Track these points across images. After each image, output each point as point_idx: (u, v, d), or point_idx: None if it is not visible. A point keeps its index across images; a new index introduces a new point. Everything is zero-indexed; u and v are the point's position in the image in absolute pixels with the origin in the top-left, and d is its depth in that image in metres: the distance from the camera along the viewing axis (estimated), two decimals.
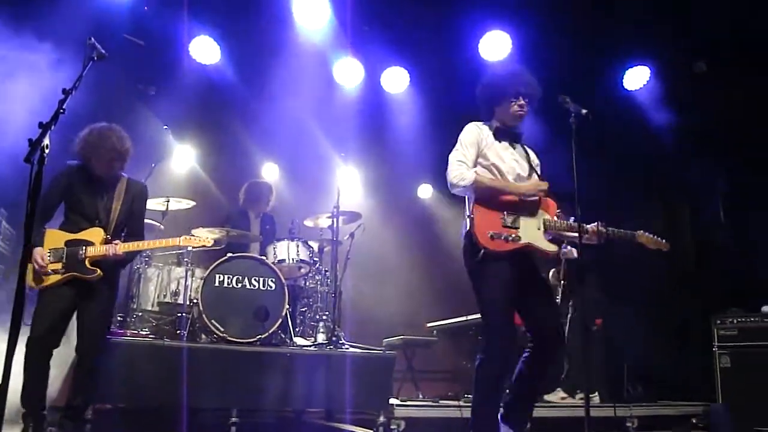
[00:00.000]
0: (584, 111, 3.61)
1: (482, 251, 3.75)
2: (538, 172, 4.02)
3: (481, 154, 3.96)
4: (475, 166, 3.97)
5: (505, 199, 3.87)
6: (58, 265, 4.28)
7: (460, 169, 3.91)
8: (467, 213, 3.89)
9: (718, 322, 6.80)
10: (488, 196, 3.86)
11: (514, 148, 4.07)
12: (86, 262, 4.32)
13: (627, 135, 7.99)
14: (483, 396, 3.81)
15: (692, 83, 7.72)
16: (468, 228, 3.86)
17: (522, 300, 3.83)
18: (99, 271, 4.30)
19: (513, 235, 3.76)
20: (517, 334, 3.81)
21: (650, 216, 7.62)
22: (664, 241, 4.22)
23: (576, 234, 3.80)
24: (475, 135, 4.00)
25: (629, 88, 8.05)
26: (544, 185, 3.87)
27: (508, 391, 3.96)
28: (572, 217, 3.92)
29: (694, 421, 7.02)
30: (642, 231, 4.12)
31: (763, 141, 6.83)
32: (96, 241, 4.38)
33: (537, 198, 3.88)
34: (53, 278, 4.27)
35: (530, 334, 3.87)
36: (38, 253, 4.22)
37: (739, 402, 6.46)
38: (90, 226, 4.43)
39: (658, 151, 7.85)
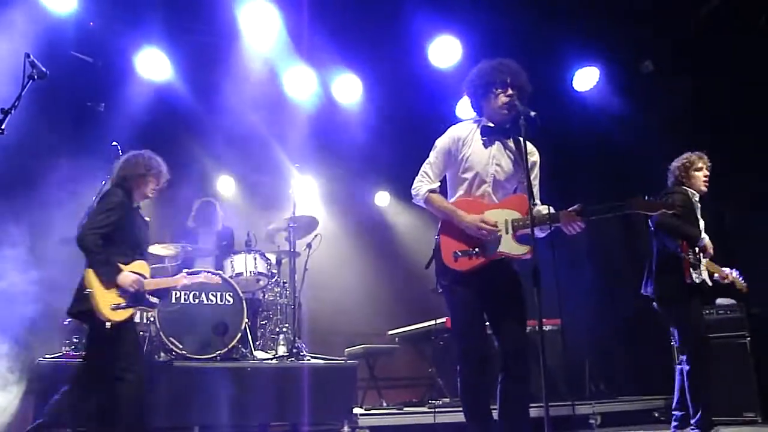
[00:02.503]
0: (532, 113, 3.59)
1: (449, 274, 3.72)
2: (531, 173, 3.68)
3: (460, 157, 3.82)
4: (443, 174, 3.89)
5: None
6: (122, 300, 4.21)
7: (420, 183, 3.87)
8: (437, 231, 3.84)
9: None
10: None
11: (505, 146, 3.85)
12: (148, 295, 4.32)
13: (578, 135, 8.12)
14: (467, 409, 3.77)
15: (641, 83, 7.89)
16: (435, 247, 3.82)
17: (490, 312, 3.78)
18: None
19: (477, 249, 3.66)
20: (489, 349, 3.74)
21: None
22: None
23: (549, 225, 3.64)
24: (448, 141, 3.86)
25: (579, 90, 8.20)
26: (486, 226, 3.61)
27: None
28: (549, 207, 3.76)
29: (656, 414, 7.13)
30: (638, 197, 3.74)
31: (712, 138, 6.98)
32: (146, 273, 4.35)
33: (484, 235, 3.63)
34: (127, 312, 4.22)
35: (499, 351, 3.74)
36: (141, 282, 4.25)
37: None
38: (134, 255, 4.36)
39: (610, 149, 7.99)
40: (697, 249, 5.07)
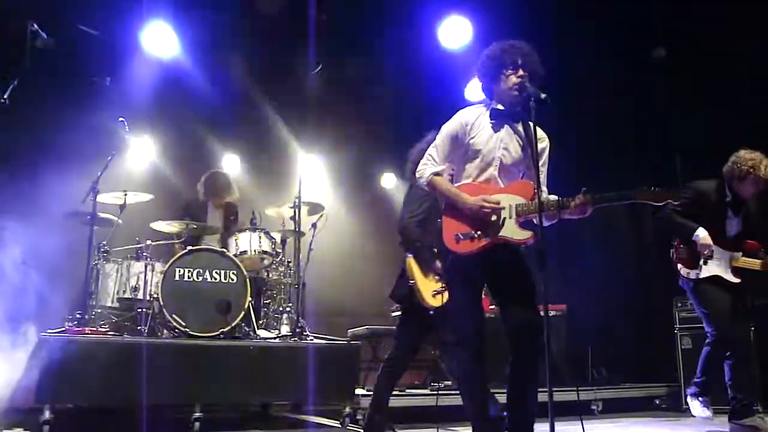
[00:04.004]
0: (543, 95, 3.54)
1: (450, 255, 3.70)
2: (539, 159, 3.62)
3: (467, 141, 3.76)
4: (449, 158, 3.83)
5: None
6: (440, 285, 4.36)
7: (425, 166, 3.83)
8: (440, 214, 3.82)
9: (679, 304, 6.89)
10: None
11: (514, 131, 3.79)
12: None
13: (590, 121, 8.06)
14: (467, 401, 3.76)
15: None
16: (438, 229, 3.79)
17: (497, 295, 3.77)
18: None
19: (480, 232, 3.62)
20: (483, 335, 3.70)
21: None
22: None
23: (555, 211, 3.58)
24: (455, 125, 3.81)
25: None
26: (488, 204, 3.58)
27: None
28: (554, 196, 3.72)
29: (657, 402, 7.14)
30: (645, 187, 3.63)
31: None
32: None
33: (488, 211, 3.60)
34: (445, 296, 4.28)
35: (507, 331, 3.67)
36: None
37: None
38: None
39: (619, 140, 7.93)
40: (698, 248, 5.01)
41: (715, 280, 5.04)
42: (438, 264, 4.34)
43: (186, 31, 7.37)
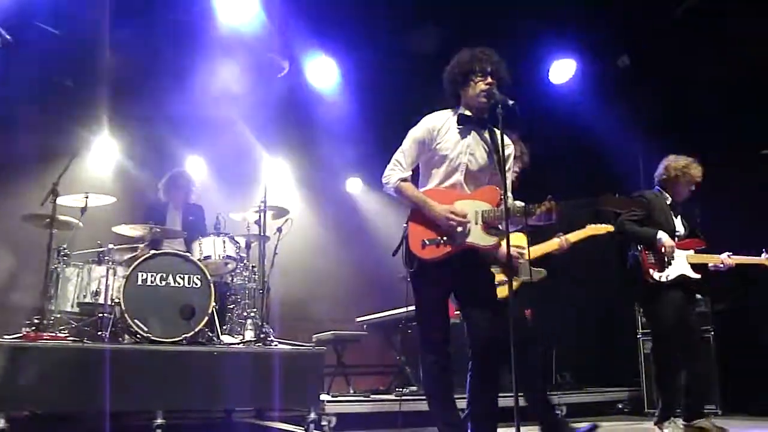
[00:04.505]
0: (511, 102, 3.56)
1: (415, 261, 3.69)
2: (505, 166, 3.65)
3: (434, 146, 3.76)
4: (416, 163, 3.84)
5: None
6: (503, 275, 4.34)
7: (391, 171, 3.81)
8: (407, 218, 3.81)
9: (642, 310, 6.96)
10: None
11: (480, 137, 3.80)
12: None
13: (554, 127, 8.12)
14: (432, 407, 3.76)
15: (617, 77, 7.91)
16: (403, 235, 3.78)
17: (462, 300, 3.77)
18: None
19: (446, 238, 3.62)
20: (449, 341, 3.72)
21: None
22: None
23: (521, 217, 3.63)
24: (422, 130, 3.81)
25: (555, 82, 8.20)
26: (455, 217, 3.58)
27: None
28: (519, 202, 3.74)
29: (620, 406, 7.22)
30: (609, 194, 3.77)
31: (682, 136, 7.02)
32: (523, 244, 4.35)
33: (453, 224, 3.60)
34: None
35: (469, 337, 3.70)
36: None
37: None
38: None
39: (587, 142, 7.99)
40: (663, 249, 5.11)
41: (681, 280, 5.14)
42: (501, 253, 4.22)
43: (152, 29, 7.25)
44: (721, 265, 5.19)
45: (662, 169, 5.38)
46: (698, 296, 6.65)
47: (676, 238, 5.21)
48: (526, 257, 3.66)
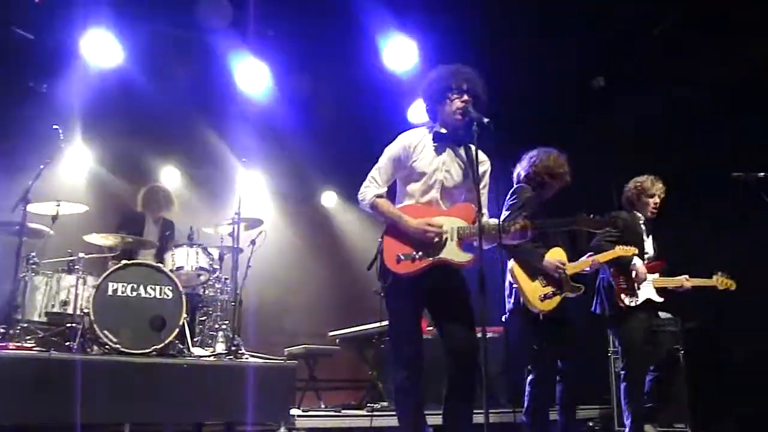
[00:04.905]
0: (486, 120, 3.59)
1: (390, 276, 3.69)
2: (480, 182, 3.67)
3: (410, 164, 3.79)
4: (392, 180, 3.87)
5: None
6: (548, 289, 4.55)
7: (367, 188, 3.85)
8: (382, 233, 3.81)
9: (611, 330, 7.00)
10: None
11: (456, 154, 3.85)
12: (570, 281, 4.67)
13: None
14: (403, 422, 3.75)
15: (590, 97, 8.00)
16: (378, 249, 3.79)
17: (436, 316, 3.79)
18: None
19: (420, 253, 3.65)
20: (421, 357, 3.72)
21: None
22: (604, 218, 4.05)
23: (495, 234, 3.64)
24: (398, 148, 3.84)
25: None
26: (432, 228, 3.62)
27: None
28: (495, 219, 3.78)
29: (590, 424, 7.24)
30: (584, 214, 3.91)
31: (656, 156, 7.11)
32: (564, 259, 4.66)
33: (431, 235, 3.63)
34: (555, 301, 4.55)
35: (444, 352, 3.71)
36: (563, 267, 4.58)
37: None
38: (547, 244, 4.68)
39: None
40: (634, 273, 5.19)
41: (647, 304, 5.23)
42: (548, 265, 4.47)
43: (129, 41, 7.21)
44: (681, 288, 5.31)
45: (626, 189, 5.52)
46: (668, 315, 6.75)
47: (645, 260, 5.28)
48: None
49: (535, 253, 4.51)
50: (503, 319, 4.89)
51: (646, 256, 5.31)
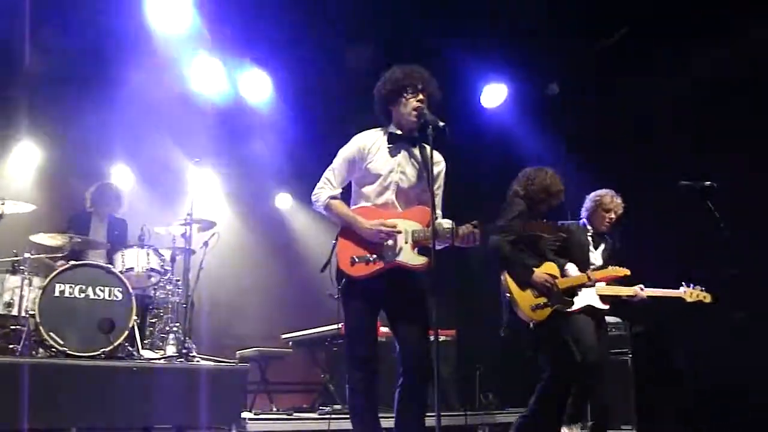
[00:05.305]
0: (441, 123, 3.61)
1: (344, 278, 3.69)
2: (435, 182, 3.71)
3: (364, 165, 3.79)
4: (346, 181, 3.87)
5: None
6: (539, 300, 4.67)
7: (321, 189, 3.83)
8: (336, 235, 3.81)
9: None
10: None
11: (411, 155, 3.85)
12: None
13: (483, 151, 8.25)
14: (357, 425, 3.74)
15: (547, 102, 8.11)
16: (332, 251, 3.78)
17: (391, 318, 3.79)
18: None
19: (375, 256, 3.65)
20: (376, 359, 3.72)
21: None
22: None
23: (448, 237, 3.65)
24: (353, 149, 3.83)
25: (486, 106, 8.35)
26: (386, 228, 3.63)
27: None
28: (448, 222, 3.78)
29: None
30: (537, 220, 4.09)
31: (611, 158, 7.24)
32: (556, 273, 4.82)
33: (384, 236, 3.64)
34: (546, 311, 4.68)
35: (399, 355, 3.72)
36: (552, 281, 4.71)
37: None
38: (542, 259, 4.85)
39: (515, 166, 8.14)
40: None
41: (587, 309, 5.27)
42: (537, 278, 4.60)
43: (79, 32, 7.03)
44: (634, 297, 5.36)
45: (585, 202, 5.60)
46: (618, 319, 6.88)
47: (590, 269, 5.30)
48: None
49: (526, 267, 4.63)
50: (501, 333, 4.98)
51: (591, 267, 5.36)
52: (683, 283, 5.40)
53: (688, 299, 5.34)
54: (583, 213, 5.60)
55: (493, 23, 7.18)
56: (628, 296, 5.38)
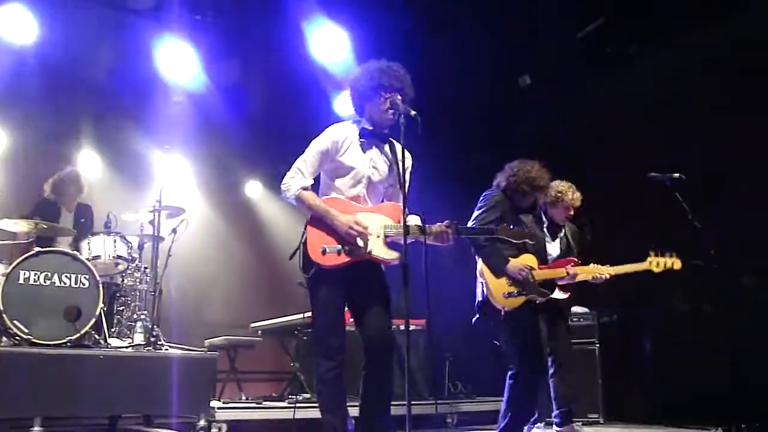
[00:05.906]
0: (413, 112, 3.62)
1: (314, 268, 3.68)
2: (403, 178, 3.65)
3: (338, 158, 3.80)
4: (317, 172, 3.86)
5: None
6: (513, 288, 4.68)
7: (291, 179, 3.81)
8: (305, 223, 3.80)
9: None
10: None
11: (381, 150, 3.90)
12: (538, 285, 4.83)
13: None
14: (325, 414, 3.73)
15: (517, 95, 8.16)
16: (302, 240, 3.76)
17: (355, 308, 3.81)
18: None
19: (347, 248, 3.65)
20: (343, 350, 3.73)
21: None
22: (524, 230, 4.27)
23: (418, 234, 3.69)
24: (327, 141, 3.82)
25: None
26: (357, 228, 3.64)
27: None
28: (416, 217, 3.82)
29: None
30: (504, 225, 4.12)
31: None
32: (534, 265, 4.81)
33: (354, 234, 3.65)
34: (518, 300, 4.66)
35: (363, 344, 3.75)
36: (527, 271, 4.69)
37: None
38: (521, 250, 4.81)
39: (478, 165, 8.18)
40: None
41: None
42: (511, 268, 4.60)
43: (47, 17, 6.91)
44: (598, 279, 5.19)
45: (547, 192, 5.48)
46: (585, 309, 6.95)
47: (549, 260, 5.35)
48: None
49: (501, 256, 4.62)
50: (473, 320, 4.95)
51: (549, 257, 5.39)
52: (650, 252, 5.19)
53: (656, 269, 5.12)
54: (543, 203, 5.53)
55: None
56: (593, 279, 5.20)
